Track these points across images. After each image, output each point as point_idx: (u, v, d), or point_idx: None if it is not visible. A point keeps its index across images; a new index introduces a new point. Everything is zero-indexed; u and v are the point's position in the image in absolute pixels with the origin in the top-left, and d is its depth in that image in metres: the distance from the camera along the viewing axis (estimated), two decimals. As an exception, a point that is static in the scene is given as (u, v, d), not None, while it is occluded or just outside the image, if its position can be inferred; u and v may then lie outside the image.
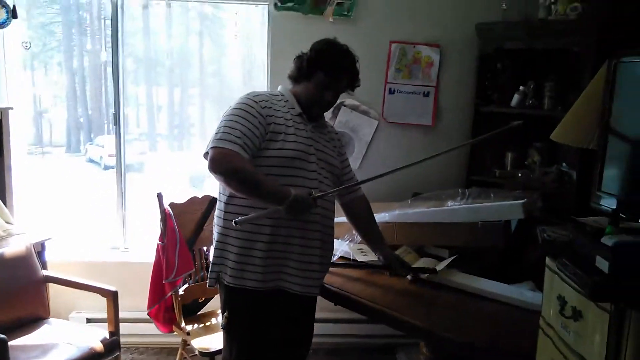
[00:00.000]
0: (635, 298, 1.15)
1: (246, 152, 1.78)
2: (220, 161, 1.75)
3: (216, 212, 1.98)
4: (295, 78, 2.00)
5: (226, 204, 1.90)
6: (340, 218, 2.68)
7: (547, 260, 1.56)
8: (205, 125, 3.73)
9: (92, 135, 4.52)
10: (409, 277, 2.26)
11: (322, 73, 1.93)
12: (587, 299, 1.29)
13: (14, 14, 2.90)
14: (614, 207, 1.57)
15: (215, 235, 1.96)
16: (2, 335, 2.07)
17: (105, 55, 3.46)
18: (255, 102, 1.87)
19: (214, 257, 1.95)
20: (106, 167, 4.42)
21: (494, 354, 1.82)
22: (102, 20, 3.79)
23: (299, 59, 1.98)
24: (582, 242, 1.35)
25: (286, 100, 1.97)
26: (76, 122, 4.31)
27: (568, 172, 2.66)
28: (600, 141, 1.67)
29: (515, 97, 2.89)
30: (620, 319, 1.18)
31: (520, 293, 2.09)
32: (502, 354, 1.79)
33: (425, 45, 3.16)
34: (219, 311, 2.61)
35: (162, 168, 3.89)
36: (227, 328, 1.97)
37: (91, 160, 4.71)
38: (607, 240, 1.21)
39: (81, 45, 3.92)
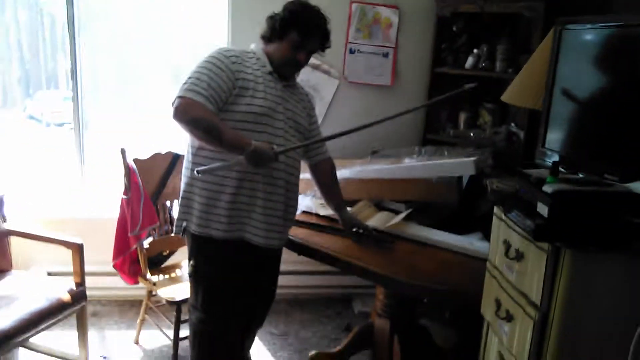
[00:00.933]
0: (570, 238, 1.31)
1: (211, 103, 1.82)
2: (185, 110, 1.79)
3: (184, 163, 2.02)
4: (268, 38, 2.02)
5: (194, 154, 1.95)
6: (304, 175, 2.79)
7: (495, 209, 1.71)
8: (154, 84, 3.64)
9: (30, 91, 4.35)
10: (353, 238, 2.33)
11: (295, 33, 1.96)
12: (529, 241, 1.45)
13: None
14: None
15: (182, 186, 2.01)
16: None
17: (48, 7, 3.32)
18: (226, 56, 1.90)
19: (180, 206, 2.01)
20: (48, 124, 4.31)
21: (443, 295, 1.99)
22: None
23: (272, 19, 2.00)
24: (525, 190, 1.50)
25: (257, 58, 2.00)
26: (10, 77, 4.13)
27: (516, 132, 2.83)
28: (545, 102, 1.80)
29: (469, 60, 3.01)
30: (555, 257, 1.35)
31: (470, 242, 2.25)
32: (452, 294, 1.96)
33: (385, 6, 3.23)
34: (184, 262, 2.70)
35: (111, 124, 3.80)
36: (194, 275, 2.04)
37: (31, 117, 4.55)
38: (547, 188, 1.35)
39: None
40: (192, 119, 1.79)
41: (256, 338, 2.97)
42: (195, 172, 1.84)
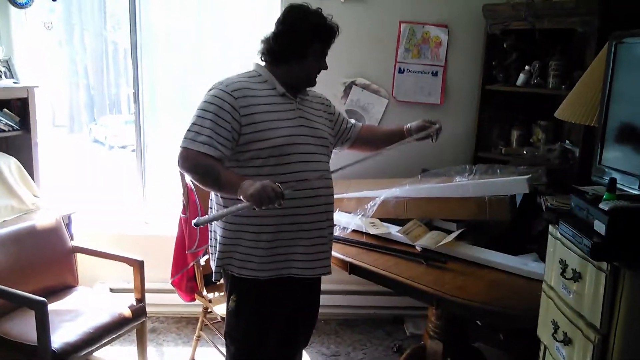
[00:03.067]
0: (629, 257, 1.27)
1: (216, 149, 1.77)
2: (184, 160, 1.78)
3: (211, 205, 1.99)
4: (282, 59, 1.89)
5: (224, 198, 1.89)
6: (352, 194, 2.82)
7: (550, 227, 1.68)
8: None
9: (95, 116, 4.57)
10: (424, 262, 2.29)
11: (319, 44, 1.89)
12: (587, 260, 1.42)
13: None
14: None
15: (217, 230, 1.94)
16: (42, 298, 2.22)
17: (113, 34, 3.51)
18: (228, 93, 1.80)
19: (219, 252, 1.92)
20: (111, 147, 4.51)
21: (497, 317, 1.96)
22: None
23: (284, 37, 1.86)
24: (582, 208, 1.47)
25: (265, 81, 1.90)
26: (78, 103, 4.36)
27: (571, 149, 2.76)
28: (601, 118, 1.77)
29: (521, 77, 2.97)
30: (615, 277, 1.31)
31: (524, 263, 2.21)
32: (506, 316, 1.93)
33: (434, 25, 3.25)
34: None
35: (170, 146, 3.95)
36: (235, 310, 1.97)
37: (96, 141, 4.78)
38: (604, 205, 1.33)
39: (81, 25, 3.96)
40: (191, 166, 1.77)
41: (307, 357, 3.00)
42: (192, 223, 1.76)
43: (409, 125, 2.18)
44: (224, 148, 1.78)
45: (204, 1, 3.63)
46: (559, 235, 1.60)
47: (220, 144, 1.77)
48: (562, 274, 1.55)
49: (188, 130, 1.80)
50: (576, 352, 1.46)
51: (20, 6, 3.18)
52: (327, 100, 2.13)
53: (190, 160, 1.77)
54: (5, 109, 2.99)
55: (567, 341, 1.51)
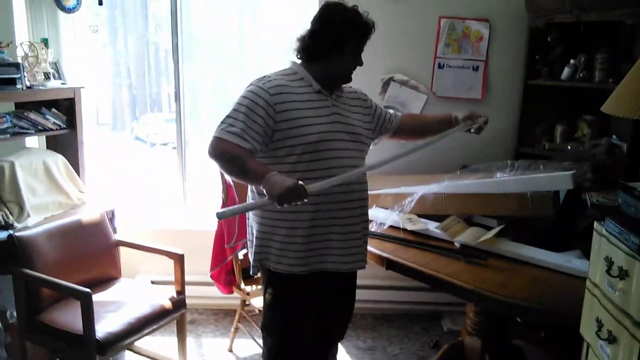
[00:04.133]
0: (679, 254, 1.22)
1: (248, 142, 1.78)
2: (214, 148, 1.79)
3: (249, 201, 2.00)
4: (319, 56, 1.89)
5: (259, 194, 1.89)
6: (390, 189, 2.80)
7: (595, 224, 1.63)
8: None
9: (137, 114, 4.68)
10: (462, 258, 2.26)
11: (354, 40, 1.89)
12: (634, 258, 1.37)
13: (99, 0, 3.12)
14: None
15: (254, 225, 1.97)
16: (87, 289, 2.30)
17: (154, 36, 3.59)
18: (264, 89, 1.83)
19: (255, 246, 1.96)
20: (152, 144, 4.62)
21: (539, 314, 1.92)
22: (145, 1, 3.93)
23: (320, 34, 1.87)
24: (629, 204, 1.42)
25: (301, 78, 1.91)
26: (121, 102, 4.47)
27: (618, 144, 2.67)
28: (651, 111, 1.70)
29: (566, 70, 2.89)
30: (664, 275, 1.26)
31: (567, 260, 2.15)
32: (547, 314, 1.88)
33: (475, 20, 3.20)
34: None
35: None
36: (272, 303, 2.00)
37: (137, 138, 4.90)
38: (653, 201, 1.28)
39: (125, 27, 4.06)
40: (219, 153, 1.78)
41: (343, 351, 3.01)
42: (216, 215, 1.75)
43: (456, 114, 2.17)
44: (255, 142, 1.79)
45: (244, 3, 3.67)
46: (604, 232, 1.55)
47: (251, 137, 1.79)
48: (608, 271, 1.50)
49: (222, 122, 1.83)
50: (622, 351, 1.41)
51: (68, 11, 3.31)
52: (363, 94, 2.12)
53: (219, 148, 1.79)
54: (53, 109, 3.10)
55: (611, 339, 1.46)
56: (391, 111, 2.23)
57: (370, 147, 2.09)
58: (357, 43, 1.90)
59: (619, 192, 1.54)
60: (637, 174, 1.77)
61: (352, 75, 1.98)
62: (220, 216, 1.75)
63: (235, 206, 1.80)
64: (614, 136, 2.75)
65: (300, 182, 1.68)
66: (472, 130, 2.14)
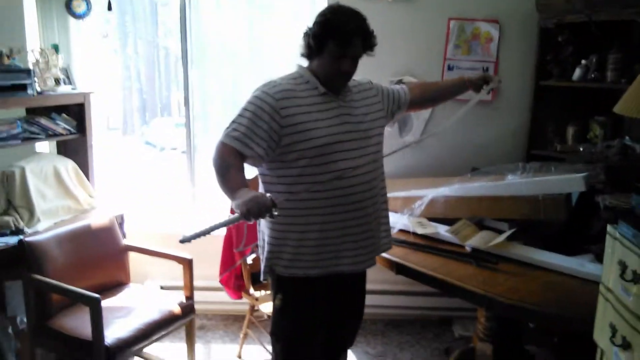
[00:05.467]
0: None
1: (248, 147, 1.78)
2: (214, 152, 1.81)
3: None
4: (308, 55, 1.90)
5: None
6: (399, 193, 2.78)
7: (609, 227, 1.60)
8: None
9: (147, 119, 4.69)
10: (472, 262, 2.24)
11: (332, 43, 1.81)
12: (648, 261, 1.34)
13: (109, 6, 3.13)
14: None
15: (265, 230, 1.95)
16: (97, 295, 2.30)
17: (164, 41, 3.60)
18: (270, 95, 1.82)
19: (267, 252, 1.94)
20: (162, 149, 4.64)
21: (551, 319, 1.88)
22: (155, 6, 3.95)
23: (306, 35, 1.87)
24: (643, 206, 1.39)
25: (307, 82, 1.89)
26: (131, 106, 4.49)
27: (632, 146, 2.63)
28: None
29: (577, 71, 2.86)
30: (679, 279, 1.23)
31: (580, 264, 2.12)
32: (560, 319, 1.85)
33: (484, 21, 3.17)
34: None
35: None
36: (282, 308, 1.99)
37: (147, 142, 4.92)
38: (668, 203, 1.25)
39: (135, 33, 4.08)
40: (214, 158, 1.80)
41: (353, 357, 2.98)
42: (179, 241, 1.72)
43: (467, 76, 2.22)
44: (259, 147, 1.79)
45: (254, 9, 3.68)
46: (617, 235, 1.52)
47: (255, 143, 1.79)
48: (622, 275, 1.47)
49: (227, 127, 1.84)
50: (636, 357, 1.38)
51: (79, 17, 3.32)
52: (367, 83, 2.08)
53: (217, 153, 1.81)
54: (64, 114, 3.12)
55: (626, 345, 1.43)
56: (398, 87, 2.20)
57: (388, 129, 2.08)
58: (336, 48, 1.82)
59: (633, 194, 1.51)
60: (651, 176, 1.73)
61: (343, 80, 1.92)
62: (183, 241, 1.69)
63: (202, 229, 1.72)
64: (627, 137, 2.70)
65: (269, 195, 1.68)
66: (488, 92, 2.17)
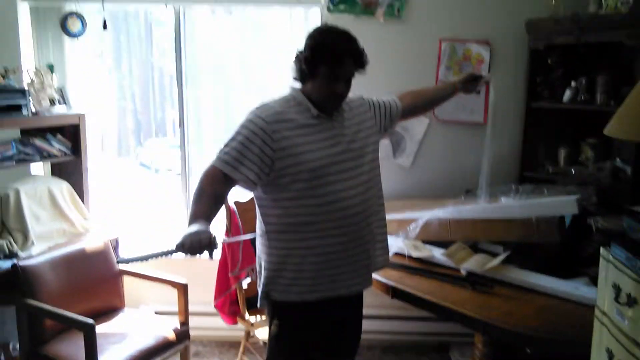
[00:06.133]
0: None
1: (239, 171, 1.78)
2: (201, 177, 1.80)
3: (257, 231, 1.99)
4: (301, 79, 1.90)
5: (266, 223, 1.91)
6: (394, 215, 2.79)
7: (602, 250, 1.61)
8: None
9: (141, 140, 4.68)
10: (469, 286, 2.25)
11: (324, 66, 1.81)
12: (641, 286, 1.35)
13: (104, 25, 3.16)
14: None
15: (262, 256, 1.95)
16: (91, 320, 2.28)
17: (158, 61, 3.60)
18: (262, 118, 1.82)
19: (264, 277, 1.93)
20: (157, 171, 4.62)
21: (548, 344, 1.88)
22: (149, 26, 3.97)
23: (297, 59, 1.87)
24: (635, 229, 1.41)
25: (299, 104, 1.89)
26: (126, 127, 4.49)
27: (622, 168, 2.65)
28: (655, 135, 1.69)
29: (567, 93, 2.89)
30: (673, 305, 1.24)
31: (575, 288, 2.13)
32: (556, 344, 1.85)
33: (475, 42, 3.21)
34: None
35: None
36: (278, 336, 1.97)
37: (142, 164, 4.91)
38: (660, 229, 1.26)
39: (129, 52, 4.10)
40: (199, 180, 1.80)
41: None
42: (116, 261, 1.76)
43: (456, 79, 2.32)
44: (249, 171, 1.79)
45: (248, 30, 3.71)
46: (611, 257, 1.53)
47: (245, 167, 1.79)
48: (616, 299, 1.48)
49: (219, 150, 1.85)
50: (633, 383, 1.38)
51: (74, 36, 3.33)
52: (358, 99, 2.07)
53: (203, 176, 1.81)
54: (59, 135, 3.11)
55: (623, 371, 1.43)
56: (389, 98, 2.19)
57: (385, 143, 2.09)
58: (329, 71, 1.82)
59: (624, 216, 1.52)
60: (642, 198, 1.75)
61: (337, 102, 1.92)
62: (119, 261, 1.72)
63: (140, 254, 1.75)
64: (618, 159, 2.73)
65: (213, 236, 1.66)
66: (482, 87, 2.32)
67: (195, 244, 1.62)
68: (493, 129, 2.15)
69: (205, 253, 1.66)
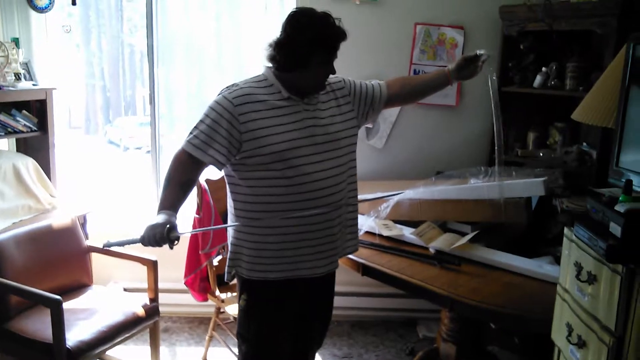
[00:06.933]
0: (645, 260, 1.25)
1: (207, 154, 1.79)
2: (171, 161, 1.84)
3: (229, 209, 1.99)
4: (286, 67, 1.82)
5: (235, 200, 1.92)
6: (366, 195, 2.81)
7: (565, 229, 1.66)
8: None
9: (110, 117, 4.60)
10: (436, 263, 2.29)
11: (321, 52, 1.80)
12: (602, 263, 1.40)
13: (73, 1, 3.07)
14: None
15: (230, 231, 1.97)
16: (58, 296, 2.25)
17: (129, 37, 3.53)
18: (229, 100, 1.80)
19: (230, 252, 1.96)
20: (126, 148, 4.55)
21: (512, 320, 1.94)
22: (120, 1, 3.87)
23: (285, 47, 1.79)
24: (597, 210, 1.45)
25: (270, 85, 1.86)
26: (94, 104, 4.40)
27: (588, 152, 2.73)
28: (618, 120, 1.74)
29: (538, 78, 2.94)
30: (630, 280, 1.29)
31: (539, 265, 2.19)
32: (520, 319, 1.90)
33: (450, 27, 3.23)
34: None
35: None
36: (246, 309, 1.98)
37: (111, 142, 4.83)
38: (620, 207, 1.31)
39: (99, 28, 4.00)
40: (169, 165, 1.84)
41: (319, 359, 2.99)
42: (102, 245, 1.85)
43: (449, 67, 2.11)
44: (218, 154, 1.80)
45: (221, 5, 3.65)
46: (574, 237, 1.58)
47: (214, 149, 1.79)
48: (577, 276, 1.53)
49: (189, 133, 1.85)
50: (591, 355, 1.44)
51: (40, 10, 3.23)
52: (338, 82, 2.01)
53: (172, 160, 1.84)
54: (24, 111, 3.04)
55: (581, 344, 1.48)
56: (375, 83, 2.12)
57: (370, 126, 2.05)
58: (325, 54, 1.82)
59: (588, 198, 1.57)
60: (605, 181, 1.80)
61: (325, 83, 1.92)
62: (105, 245, 1.85)
63: (124, 239, 1.83)
64: (584, 143, 2.80)
65: (173, 230, 1.73)
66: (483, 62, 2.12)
67: (151, 239, 1.71)
68: (496, 108, 2.11)
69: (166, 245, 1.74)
